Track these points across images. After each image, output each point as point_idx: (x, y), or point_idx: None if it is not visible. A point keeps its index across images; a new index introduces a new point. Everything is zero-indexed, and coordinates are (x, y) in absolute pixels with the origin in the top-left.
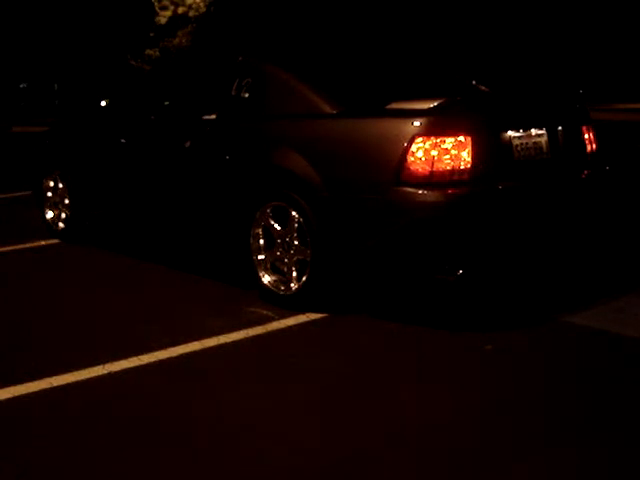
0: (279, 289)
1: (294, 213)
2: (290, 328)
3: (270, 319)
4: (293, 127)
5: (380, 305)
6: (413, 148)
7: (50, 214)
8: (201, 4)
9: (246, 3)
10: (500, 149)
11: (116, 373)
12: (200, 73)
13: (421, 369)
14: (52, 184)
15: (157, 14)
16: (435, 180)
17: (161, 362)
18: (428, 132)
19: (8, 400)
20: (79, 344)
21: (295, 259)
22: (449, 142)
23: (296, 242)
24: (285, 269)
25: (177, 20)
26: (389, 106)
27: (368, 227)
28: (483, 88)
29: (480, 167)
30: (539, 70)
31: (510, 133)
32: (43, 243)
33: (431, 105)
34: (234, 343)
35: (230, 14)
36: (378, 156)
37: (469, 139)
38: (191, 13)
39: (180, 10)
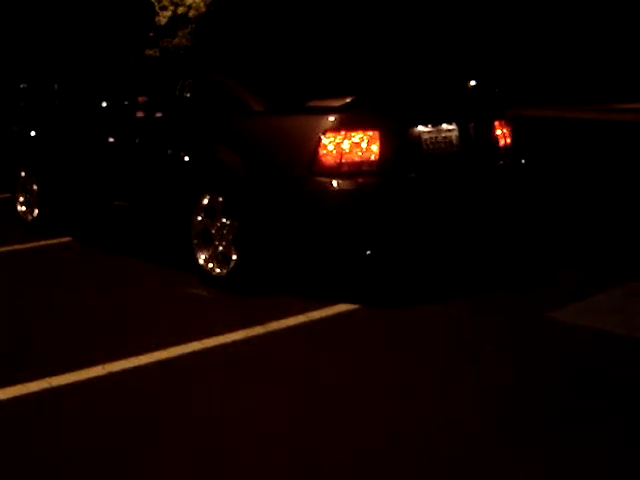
0: (214, 271)
1: (223, 201)
2: (289, 328)
3: (270, 319)
4: (226, 124)
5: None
6: (325, 142)
7: (21, 207)
8: (201, 4)
9: (246, 3)
10: (409, 143)
11: (116, 373)
12: (152, 74)
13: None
14: (23, 177)
15: (157, 14)
16: (346, 171)
17: (160, 362)
18: (338, 127)
19: (8, 400)
20: (78, 344)
21: (226, 244)
22: (358, 136)
23: (227, 229)
24: (218, 253)
25: (177, 20)
26: (307, 104)
27: (289, 213)
28: (397, 87)
29: (388, 159)
30: (463, 69)
31: (419, 128)
32: (43, 243)
33: (342, 103)
34: (234, 343)
35: (230, 14)
36: (296, 149)
37: (377, 134)
38: (191, 13)
39: (180, 10)
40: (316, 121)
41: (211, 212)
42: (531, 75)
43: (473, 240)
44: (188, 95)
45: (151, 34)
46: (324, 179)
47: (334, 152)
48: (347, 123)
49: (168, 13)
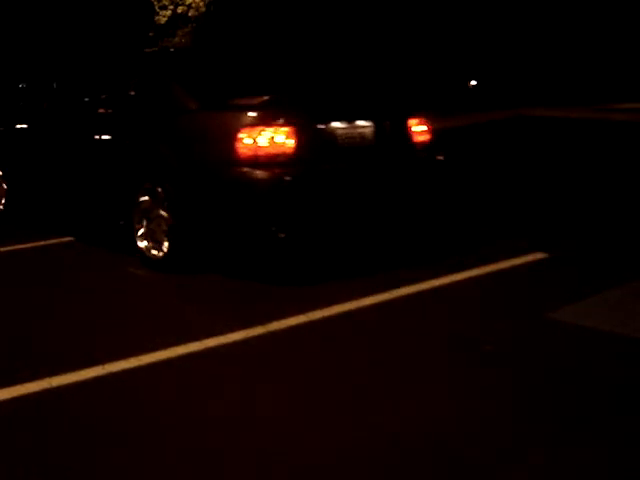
0: (151, 254)
1: (160, 190)
2: (291, 328)
3: (270, 319)
4: (165, 120)
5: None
6: (242, 136)
7: None
8: (201, 3)
9: (246, 3)
10: (323, 137)
11: (116, 373)
12: (108, 76)
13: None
14: None
15: (157, 13)
16: (263, 162)
17: (161, 362)
18: (255, 123)
19: (8, 400)
20: (78, 344)
21: (162, 229)
22: (273, 131)
23: (163, 215)
24: (156, 237)
25: (177, 20)
26: (230, 102)
27: (214, 201)
28: (316, 87)
29: (302, 152)
30: (387, 70)
31: (334, 124)
32: (43, 243)
33: (260, 101)
34: (234, 343)
35: (230, 14)
36: (219, 142)
37: (291, 128)
38: (191, 12)
39: (180, 9)
40: (235, 118)
41: (150, 200)
42: (535, 75)
43: (387, 226)
44: (134, 94)
45: (151, 34)
46: (243, 169)
47: (251, 145)
48: (263, 119)
49: (168, 12)
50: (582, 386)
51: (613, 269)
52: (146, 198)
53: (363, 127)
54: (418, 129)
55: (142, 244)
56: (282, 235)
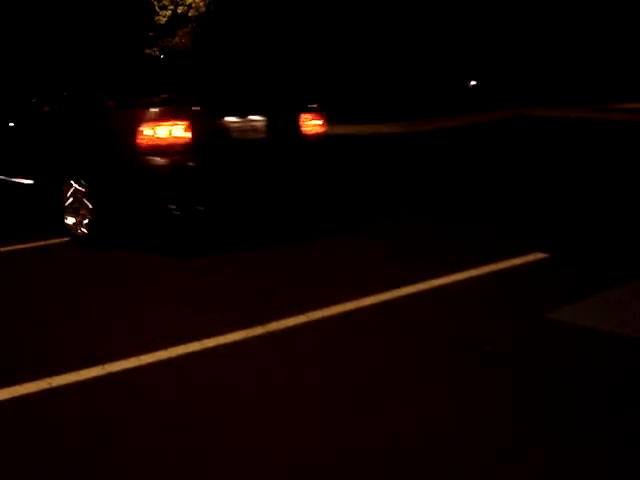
0: (77, 232)
1: (82, 180)
2: (289, 329)
3: (270, 319)
4: (88, 116)
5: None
6: (145, 129)
7: None
8: (201, 4)
9: (246, 3)
10: (218, 130)
11: (115, 373)
12: (54, 77)
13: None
14: None
15: (157, 14)
16: (161, 151)
17: (161, 362)
18: (155, 118)
19: (7, 400)
20: (78, 344)
21: (85, 211)
22: (170, 125)
23: (85, 199)
24: (80, 218)
25: (177, 20)
26: (140, 100)
27: (124, 185)
28: (215, 87)
29: (196, 143)
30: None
31: (229, 119)
32: (43, 243)
33: (161, 99)
34: (234, 343)
35: (230, 14)
36: (128, 135)
37: (186, 123)
38: (191, 13)
39: (180, 10)
40: (139, 114)
41: (76, 186)
42: (535, 75)
43: (276, 204)
44: (68, 95)
45: (151, 34)
46: (145, 158)
47: (152, 137)
48: (161, 115)
49: (168, 12)
50: (582, 386)
51: (613, 269)
52: (73, 184)
53: (257, 122)
54: (310, 123)
55: (70, 222)
56: (177, 213)
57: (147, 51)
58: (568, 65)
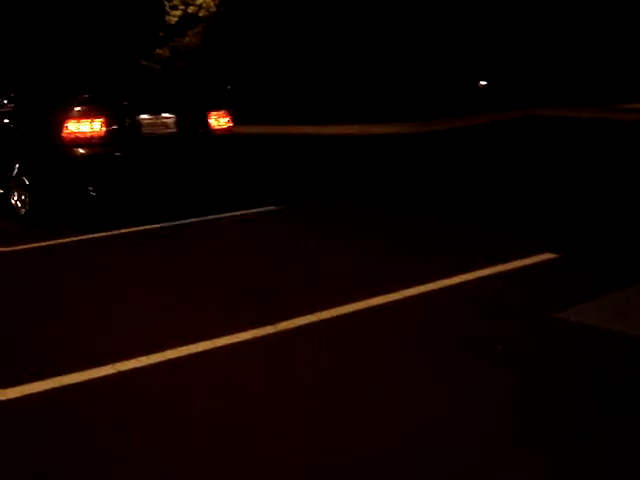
0: (20, 210)
1: (22, 164)
2: (299, 328)
3: (280, 318)
4: (31, 112)
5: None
6: (67, 124)
7: None
8: (211, 3)
9: (255, 3)
10: (131, 126)
11: (125, 372)
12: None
13: None
14: None
15: (167, 13)
16: (81, 143)
17: (170, 361)
18: (75, 115)
19: (18, 399)
20: (89, 343)
21: (25, 192)
22: (88, 121)
23: (26, 182)
24: (23, 198)
25: (187, 19)
26: (67, 100)
27: (52, 171)
28: (129, 88)
29: (111, 136)
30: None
31: (141, 116)
32: (53, 242)
33: (83, 98)
34: (242, 343)
35: (240, 14)
36: (56, 129)
37: (101, 119)
38: (201, 13)
39: (190, 9)
40: (64, 111)
41: (19, 172)
42: (546, 75)
43: (180, 189)
44: (20, 96)
45: (161, 34)
46: (68, 148)
47: (74, 130)
48: (80, 112)
49: (178, 12)
50: (589, 386)
51: (622, 270)
52: (17, 171)
53: (166, 118)
54: (218, 120)
55: (14, 204)
56: (93, 194)
57: (158, 51)
58: (580, 65)
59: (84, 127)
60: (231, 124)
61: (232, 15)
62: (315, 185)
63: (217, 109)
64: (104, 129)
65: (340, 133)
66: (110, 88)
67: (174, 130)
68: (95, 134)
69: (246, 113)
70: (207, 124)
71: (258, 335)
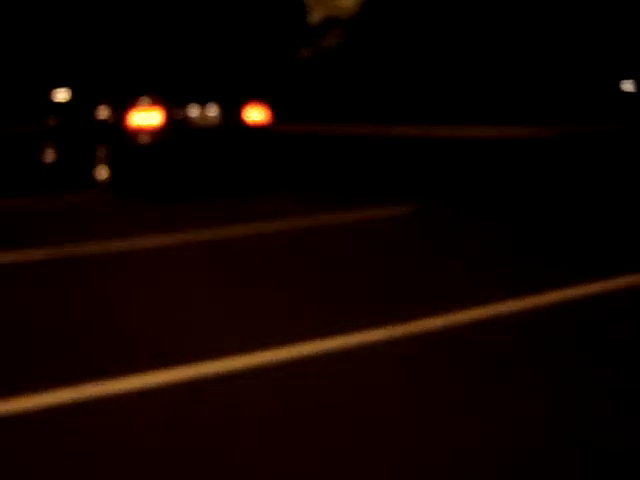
0: (101, 181)
1: (105, 148)
2: (427, 332)
3: (410, 317)
4: (110, 107)
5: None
6: (131, 116)
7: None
8: (353, 4)
9: (399, 3)
10: (182, 118)
11: (266, 365)
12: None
13: None
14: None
15: (309, 14)
16: (142, 131)
17: (303, 360)
18: (137, 110)
19: (129, 392)
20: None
21: (107, 168)
22: (147, 113)
23: (107, 160)
24: (104, 172)
25: (329, 20)
26: (134, 98)
27: (124, 152)
28: (182, 85)
29: (166, 127)
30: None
31: (191, 109)
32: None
33: (143, 96)
34: (376, 343)
35: (383, 14)
36: (125, 120)
37: (158, 112)
38: (342, 16)
39: (332, 11)
40: (131, 106)
41: (102, 152)
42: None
43: (222, 172)
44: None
45: (303, 35)
46: (133, 135)
47: (136, 122)
48: (141, 108)
49: (320, 13)
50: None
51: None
52: (100, 152)
53: (212, 111)
54: (256, 113)
55: (98, 176)
56: (151, 171)
57: (301, 51)
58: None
59: (143, 119)
60: (268, 118)
61: (374, 15)
62: (453, 189)
63: (257, 103)
64: (160, 121)
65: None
66: (167, 88)
67: (217, 119)
68: (152, 125)
69: (388, 113)
70: (246, 116)
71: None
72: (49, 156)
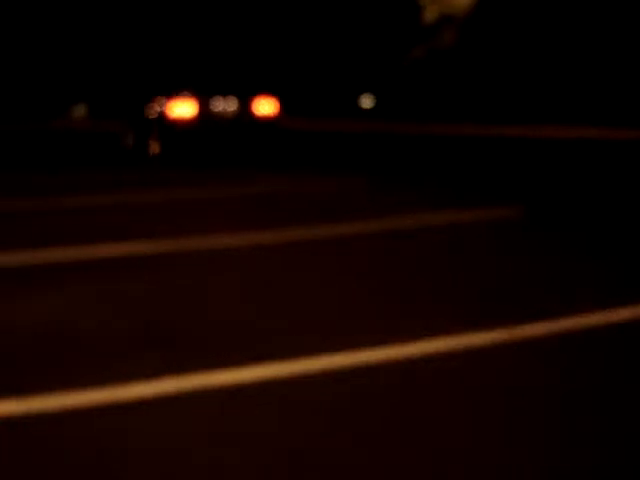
0: (153, 154)
1: (154, 131)
2: (536, 339)
3: (514, 321)
4: (158, 101)
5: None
6: (170, 106)
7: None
8: (468, 2)
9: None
10: (210, 108)
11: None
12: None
13: None
14: None
15: (423, 13)
16: (180, 119)
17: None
18: (174, 103)
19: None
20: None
21: (157, 145)
22: (183, 104)
23: (158, 140)
24: (155, 147)
25: (443, 19)
26: (173, 92)
27: (167, 135)
28: (208, 81)
29: (198, 115)
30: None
31: (216, 101)
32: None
33: (181, 90)
34: (477, 349)
35: (498, 12)
36: (167, 111)
37: (192, 104)
38: (456, 12)
39: (445, 10)
40: (170, 100)
41: (154, 133)
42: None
43: (236, 152)
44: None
45: (415, 34)
46: (173, 122)
47: (175, 111)
48: (179, 99)
49: (434, 13)
50: None
51: None
52: (153, 133)
53: (232, 103)
54: (266, 105)
55: (151, 151)
56: (185, 146)
57: (413, 51)
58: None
59: (179, 109)
60: (276, 109)
61: (489, 14)
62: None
63: (266, 96)
64: (193, 111)
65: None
66: (198, 85)
67: (236, 110)
68: (188, 114)
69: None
70: (257, 107)
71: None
72: (129, 140)
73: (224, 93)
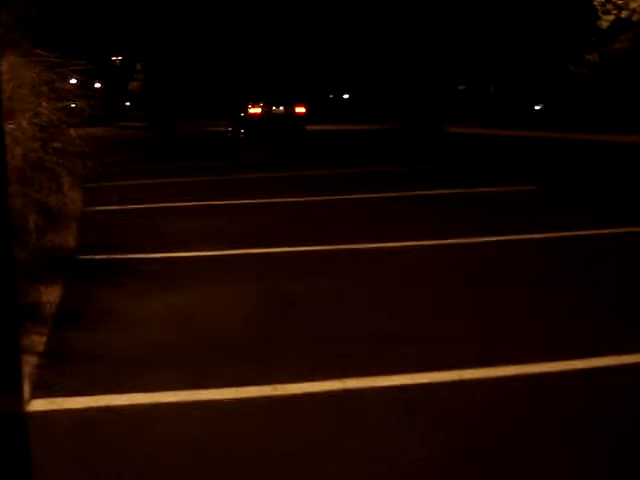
0: (242, 139)
1: (237, 123)
2: None
3: None
4: (240, 104)
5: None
6: (246, 109)
7: None
8: None
9: None
10: (267, 111)
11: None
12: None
13: None
14: None
15: (599, 18)
16: (252, 115)
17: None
18: (248, 106)
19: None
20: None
21: (242, 132)
22: (254, 108)
23: (242, 129)
24: (242, 133)
25: (620, 24)
26: (247, 100)
27: (246, 126)
28: (270, 91)
29: (260, 116)
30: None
31: (270, 107)
32: None
33: (255, 99)
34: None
35: None
36: (245, 111)
37: (260, 108)
38: (635, 17)
39: (624, 14)
40: (246, 103)
41: (239, 125)
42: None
43: (279, 142)
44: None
45: (591, 39)
46: (248, 118)
47: (249, 112)
48: (251, 104)
49: (610, 17)
50: None
51: None
52: (239, 125)
53: (280, 109)
54: (299, 110)
55: (242, 136)
56: (253, 134)
57: (587, 57)
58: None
59: (252, 111)
60: (305, 113)
61: None
62: None
63: (300, 104)
64: (259, 113)
65: None
66: (266, 98)
67: (283, 114)
68: (256, 114)
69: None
70: (294, 112)
71: None
72: (228, 132)
73: (278, 104)
